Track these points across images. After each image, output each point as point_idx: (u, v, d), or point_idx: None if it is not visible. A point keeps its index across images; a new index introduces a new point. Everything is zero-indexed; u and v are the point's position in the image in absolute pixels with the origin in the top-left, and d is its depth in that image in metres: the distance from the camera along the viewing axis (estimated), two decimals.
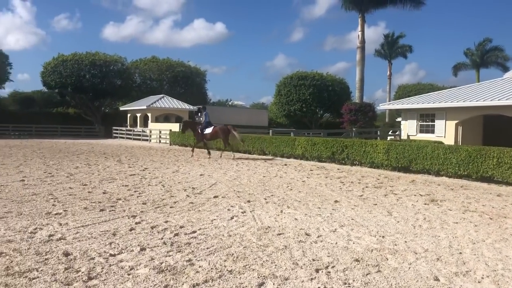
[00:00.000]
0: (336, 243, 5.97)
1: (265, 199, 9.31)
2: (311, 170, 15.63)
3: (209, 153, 20.49)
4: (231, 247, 5.62)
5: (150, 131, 37.25)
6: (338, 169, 16.23)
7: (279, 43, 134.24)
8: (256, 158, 20.66)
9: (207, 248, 5.52)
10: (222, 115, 45.97)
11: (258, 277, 4.57)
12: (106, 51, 56.58)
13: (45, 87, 47.50)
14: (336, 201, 9.23)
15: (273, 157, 21.14)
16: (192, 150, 21.40)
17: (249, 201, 8.93)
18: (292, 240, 6.05)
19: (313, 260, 5.20)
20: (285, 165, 17.34)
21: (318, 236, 6.29)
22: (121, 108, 46.58)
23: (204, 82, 56.40)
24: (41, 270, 4.56)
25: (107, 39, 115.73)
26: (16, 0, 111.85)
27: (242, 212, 7.80)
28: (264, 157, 21.28)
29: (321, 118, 51.79)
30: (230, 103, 72.90)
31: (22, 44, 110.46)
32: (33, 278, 4.34)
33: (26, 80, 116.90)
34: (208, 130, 20.10)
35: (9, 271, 4.49)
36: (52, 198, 8.67)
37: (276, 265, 4.98)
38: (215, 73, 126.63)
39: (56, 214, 7.25)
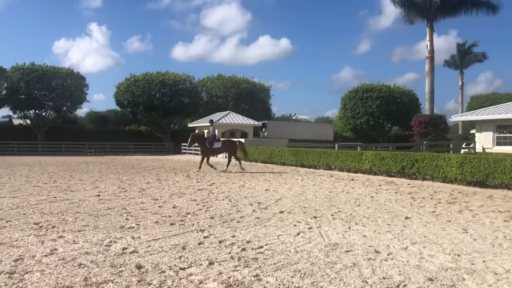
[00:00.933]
0: (408, 261, 5.72)
1: (332, 215, 9.15)
2: (379, 185, 15.18)
3: (212, 167, 20.12)
4: (298, 263, 5.55)
5: None
6: (409, 184, 15.64)
7: (345, 56, 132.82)
8: (321, 173, 20.42)
9: (274, 264, 5.50)
10: (286, 130, 46.08)
11: None
12: (175, 71, 58.81)
13: (118, 106, 50.24)
14: (407, 218, 8.87)
15: (338, 171, 20.80)
16: (200, 165, 20.39)
17: (315, 217, 8.82)
18: (361, 257, 5.88)
19: (383, 278, 5.01)
20: (352, 180, 16.99)
21: (389, 254, 6.07)
22: (189, 125, 48.09)
23: (268, 97, 56.96)
24: (116, 282, 4.75)
25: (176, 58, 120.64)
26: (93, 25, 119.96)
27: (309, 228, 7.71)
28: (330, 172, 20.99)
29: (389, 131, 50.42)
30: (294, 118, 72.94)
31: (98, 66, 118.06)
32: None
33: (101, 100, 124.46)
34: (218, 145, 20.22)
35: (87, 281, 4.72)
36: (125, 213, 9.06)
37: (344, 282, 4.85)
38: (279, 88, 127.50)
39: (129, 228, 7.56)
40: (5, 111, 51.18)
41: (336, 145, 27.36)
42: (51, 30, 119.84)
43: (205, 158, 20.34)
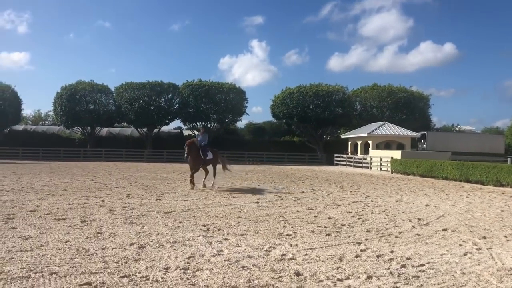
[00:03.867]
0: None
1: (505, 236, 8.19)
2: None
3: (193, 182, 15.77)
4: (465, 286, 5.11)
5: (371, 158, 37.10)
6: None
7: None
8: (490, 189, 18.43)
9: (438, 284, 5.14)
10: (448, 142, 42.78)
11: None
12: (329, 82, 59.26)
13: (274, 118, 52.46)
14: None
15: (511, 189, 18.54)
16: (192, 179, 15.83)
17: (484, 237, 8.00)
18: None
19: None
20: None
21: None
22: (342, 136, 47.82)
23: (428, 107, 53.53)
24: (276, 286, 4.96)
25: (331, 69, 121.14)
26: (255, 42, 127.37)
27: (477, 249, 7.03)
28: (501, 188, 18.82)
29: None
30: (457, 128, 67.30)
31: (257, 80, 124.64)
32: None
33: (259, 112, 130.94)
34: (210, 155, 16.24)
35: (250, 283, 5.02)
36: (282, 220, 9.40)
37: None
38: (441, 97, 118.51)
39: (287, 235, 7.82)
40: (177, 122, 57.32)
41: (509, 159, 24.45)
42: (217, 48, 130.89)
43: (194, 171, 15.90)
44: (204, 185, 16.07)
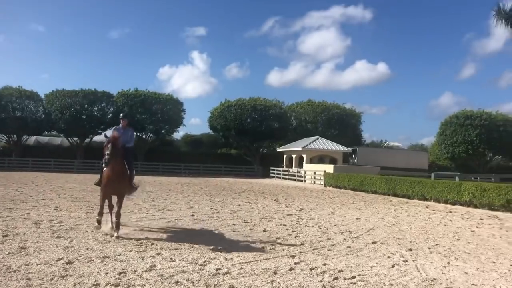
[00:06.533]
0: None
1: (429, 248, 8.67)
2: (481, 219, 14.11)
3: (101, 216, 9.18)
4: None
5: (305, 172, 37.95)
6: None
7: (447, 81, 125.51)
8: (416, 203, 19.46)
9: None
10: (377, 157, 44.69)
11: None
12: (268, 96, 60.27)
13: (211, 130, 52.29)
14: None
15: (434, 202, 19.67)
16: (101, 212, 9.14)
17: (410, 249, 8.41)
18: None
19: None
20: (450, 212, 15.97)
21: None
22: (278, 150, 48.59)
23: (359, 123, 55.86)
24: None
25: (270, 84, 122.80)
26: (195, 53, 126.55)
27: (404, 261, 7.37)
28: (425, 202, 19.93)
29: (490, 161, 46.90)
30: (385, 144, 70.62)
31: (197, 91, 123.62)
32: None
33: (197, 124, 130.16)
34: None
35: None
36: (218, 233, 9.34)
37: None
38: (373, 114, 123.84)
39: (222, 249, 7.77)
40: (110, 133, 55.52)
41: (432, 175, 25.97)
42: (157, 58, 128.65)
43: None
44: (113, 227, 8.91)
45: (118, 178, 8.69)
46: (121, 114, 10.01)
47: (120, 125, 9.68)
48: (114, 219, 8.92)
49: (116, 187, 8.83)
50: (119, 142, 8.67)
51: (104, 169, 8.85)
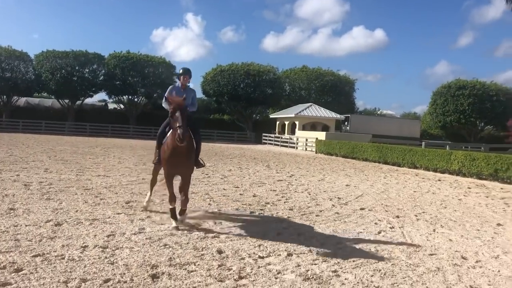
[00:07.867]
0: (499, 271, 5.35)
1: (416, 215, 8.79)
2: (468, 187, 14.30)
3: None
4: (378, 262, 5.41)
5: (297, 139, 38.06)
6: (502, 188, 14.56)
7: (443, 49, 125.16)
8: (406, 171, 19.65)
9: (353, 261, 5.40)
10: (370, 125, 44.86)
11: None
12: (263, 61, 59.61)
13: (204, 95, 51.93)
14: (498, 224, 8.28)
15: (424, 171, 19.88)
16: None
17: (398, 217, 8.52)
18: (446, 262, 5.59)
19: (471, 286, 4.73)
20: (439, 180, 16.17)
21: (477, 261, 5.71)
22: (271, 116, 48.53)
23: (353, 90, 55.71)
24: (198, 265, 4.94)
25: (266, 49, 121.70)
26: (190, 15, 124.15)
27: (391, 228, 7.47)
28: (415, 170, 20.13)
29: (481, 131, 47.23)
30: (378, 113, 70.71)
31: (192, 55, 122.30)
32: (191, 271, 4.71)
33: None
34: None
35: (171, 262, 4.97)
36: (208, 198, 9.39)
37: (427, 286, 4.65)
38: (369, 81, 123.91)
39: (211, 213, 7.82)
40: (102, 95, 54.95)
41: (423, 143, 26.15)
42: (151, 19, 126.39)
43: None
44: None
45: (186, 155, 6.76)
46: (181, 70, 7.46)
47: (179, 84, 7.58)
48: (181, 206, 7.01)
49: (182, 166, 6.90)
50: (186, 108, 6.63)
51: (165, 142, 6.93)
